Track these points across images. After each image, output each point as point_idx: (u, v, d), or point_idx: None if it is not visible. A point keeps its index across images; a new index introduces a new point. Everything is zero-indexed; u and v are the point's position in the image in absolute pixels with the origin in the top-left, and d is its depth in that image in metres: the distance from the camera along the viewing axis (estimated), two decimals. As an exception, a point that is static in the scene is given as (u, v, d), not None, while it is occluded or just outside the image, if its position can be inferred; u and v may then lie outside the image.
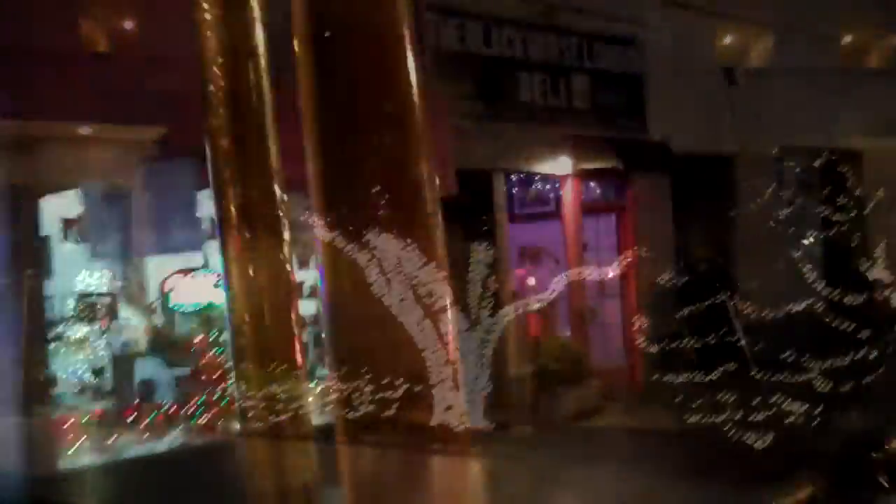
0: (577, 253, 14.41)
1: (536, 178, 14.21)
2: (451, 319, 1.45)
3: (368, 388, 1.50)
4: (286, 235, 1.88)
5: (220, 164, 1.83)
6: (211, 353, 10.52)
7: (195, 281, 10.33)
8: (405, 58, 1.57)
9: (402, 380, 1.52)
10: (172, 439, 10.27)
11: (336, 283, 1.54)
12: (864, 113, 19.92)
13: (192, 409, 10.45)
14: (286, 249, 1.83)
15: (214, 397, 10.54)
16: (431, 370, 1.66)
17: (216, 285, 10.76)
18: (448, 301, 1.43)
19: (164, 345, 10.20)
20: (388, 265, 1.48)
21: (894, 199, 19.83)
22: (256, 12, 2.08)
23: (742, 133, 17.18)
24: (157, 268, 10.02)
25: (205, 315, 10.49)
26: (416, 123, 1.56)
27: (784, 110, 18.00)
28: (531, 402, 13.09)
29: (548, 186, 14.44)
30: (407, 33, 1.58)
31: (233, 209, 1.84)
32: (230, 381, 10.47)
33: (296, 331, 1.82)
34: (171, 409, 10.31)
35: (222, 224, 1.83)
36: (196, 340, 10.43)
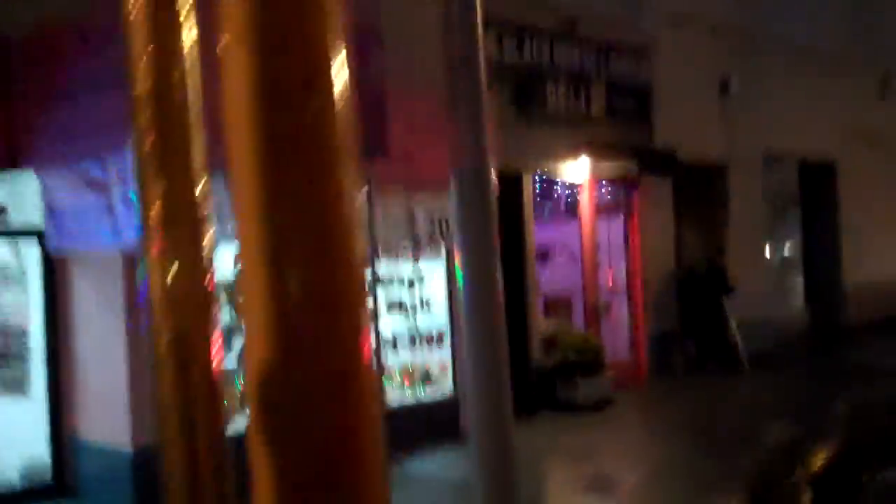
0: (591, 251, 15.17)
1: (558, 179, 14.94)
2: (367, 317, 1.49)
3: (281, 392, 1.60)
4: (209, 235, 1.89)
5: (144, 163, 1.83)
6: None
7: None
8: (329, 67, 1.73)
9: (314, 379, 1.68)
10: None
11: (252, 281, 1.58)
12: (841, 124, 20.98)
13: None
14: (208, 249, 1.86)
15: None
16: (347, 370, 1.67)
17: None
18: (366, 298, 1.48)
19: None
20: (303, 265, 1.68)
21: (864, 204, 20.98)
22: (186, 12, 2.00)
23: (733, 141, 18.11)
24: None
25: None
26: (342, 131, 1.75)
27: (772, 120, 18.97)
28: (552, 391, 13.84)
29: (567, 188, 15.19)
30: (337, 42, 1.76)
31: (155, 208, 1.83)
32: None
33: (214, 332, 1.82)
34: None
35: (144, 223, 1.85)
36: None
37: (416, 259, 12.44)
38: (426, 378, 12.66)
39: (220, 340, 1.93)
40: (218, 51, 1.77)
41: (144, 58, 1.94)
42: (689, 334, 16.64)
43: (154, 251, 1.91)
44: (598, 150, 14.87)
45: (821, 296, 20.42)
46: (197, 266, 1.95)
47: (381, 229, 11.13)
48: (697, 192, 17.52)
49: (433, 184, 11.32)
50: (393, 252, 12.05)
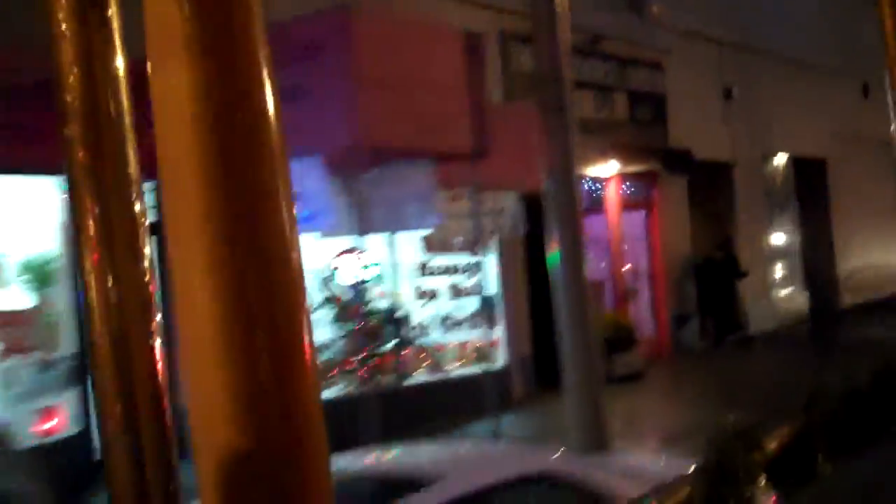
0: (619, 241, 16.53)
1: (588, 179, 16.27)
2: (309, 323, 1.84)
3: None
4: (146, 248, 1.87)
5: (76, 175, 1.82)
6: (366, 319, 12.38)
7: (355, 259, 12.14)
8: (262, 80, 1.68)
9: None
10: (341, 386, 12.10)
11: (188, 295, 1.70)
12: (830, 125, 22.37)
13: (352, 364, 12.30)
14: (146, 262, 1.86)
15: (368, 355, 12.40)
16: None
17: (367, 266, 12.57)
18: (306, 304, 1.77)
19: (338, 310, 12.08)
20: (240, 277, 1.64)
21: (852, 198, 22.32)
22: (115, 24, 1.89)
23: (736, 141, 19.50)
24: (328, 246, 11.69)
25: (362, 288, 12.32)
26: (275, 144, 1.71)
27: (770, 123, 20.36)
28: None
29: (597, 186, 16.53)
30: (263, 56, 1.69)
31: (90, 222, 1.82)
32: (380, 343, 12.32)
33: (155, 344, 1.86)
34: (338, 362, 12.15)
35: (78, 236, 1.83)
36: (355, 307, 12.27)
37: (473, 251, 13.73)
38: (479, 353, 13.93)
39: (161, 344, 1.85)
40: (148, 63, 1.73)
41: (74, 68, 1.83)
42: (706, 314, 18.00)
43: (90, 262, 1.82)
44: (622, 151, 16.18)
45: (816, 281, 21.75)
46: (135, 275, 1.84)
47: (446, 224, 12.27)
48: (707, 188, 18.86)
49: (493, 184, 12.57)
50: (454, 244, 13.37)
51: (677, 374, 16.00)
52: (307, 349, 1.72)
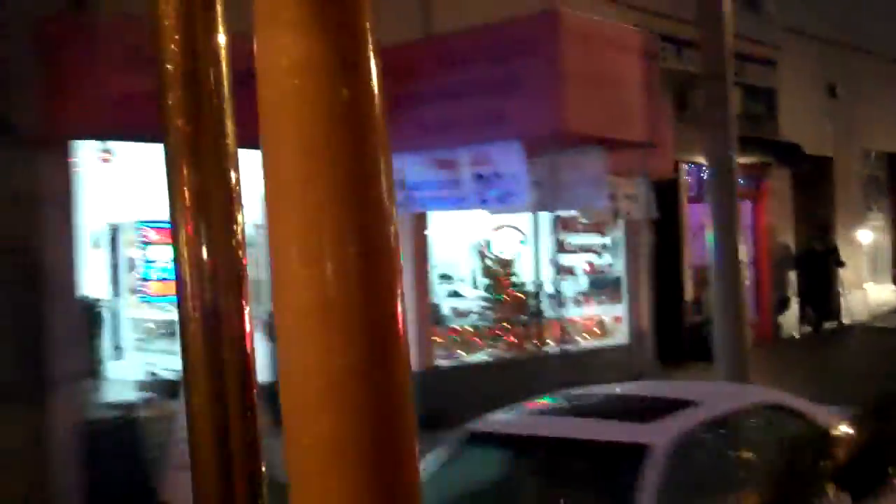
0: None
1: (704, 168, 17.29)
2: (401, 286, 1.82)
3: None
4: (240, 219, 1.82)
5: (174, 144, 1.76)
6: (513, 290, 13.54)
7: (508, 235, 13.30)
8: (367, 51, 1.67)
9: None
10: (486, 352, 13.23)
11: (286, 263, 1.72)
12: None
13: (498, 331, 13.44)
14: (240, 235, 1.81)
15: (512, 324, 13.55)
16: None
17: (518, 241, 13.72)
18: (399, 275, 1.79)
19: (490, 278, 13.24)
20: (337, 247, 1.65)
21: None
22: None
23: (837, 137, 20.46)
24: (485, 220, 12.75)
25: (511, 261, 13.48)
26: (376, 115, 1.68)
27: (867, 120, 21.28)
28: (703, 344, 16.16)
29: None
30: (369, 30, 1.68)
31: (186, 192, 1.76)
32: (523, 313, 13.45)
33: (247, 318, 1.79)
34: (485, 330, 13.28)
35: (174, 206, 1.79)
36: (504, 279, 13.43)
37: (604, 232, 14.85)
38: (605, 328, 15.04)
39: (250, 315, 1.84)
40: (254, 35, 1.73)
41: (175, 36, 1.79)
42: (806, 302, 19.04)
43: (184, 233, 1.81)
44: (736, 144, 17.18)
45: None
46: (228, 248, 1.82)
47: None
48: (809, 182, 19.82)
49: (630, 169, 13.65)
50: (587, 225, 14.50)
51: (783, 355, 16.98)
52: (400, 325, 1.71)
